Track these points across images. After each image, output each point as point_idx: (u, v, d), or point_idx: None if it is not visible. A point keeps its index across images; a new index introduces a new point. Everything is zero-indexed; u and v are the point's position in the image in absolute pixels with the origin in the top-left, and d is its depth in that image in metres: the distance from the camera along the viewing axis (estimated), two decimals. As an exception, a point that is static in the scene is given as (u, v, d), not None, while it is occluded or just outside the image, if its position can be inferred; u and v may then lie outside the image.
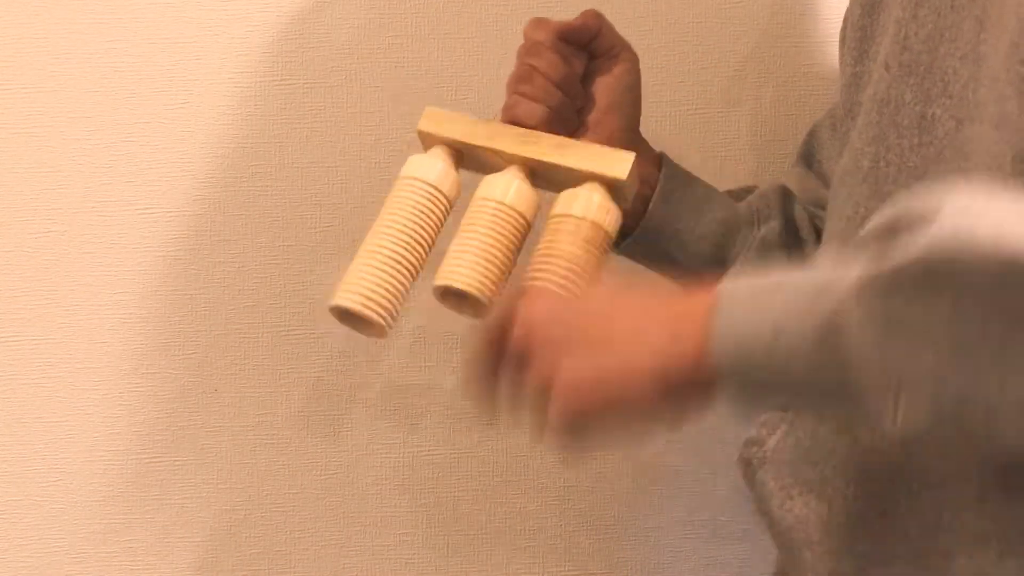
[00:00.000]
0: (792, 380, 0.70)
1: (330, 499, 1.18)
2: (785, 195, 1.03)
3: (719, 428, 1.19)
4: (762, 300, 0.70)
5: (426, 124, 0.94)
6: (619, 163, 0.90)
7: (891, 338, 0.64)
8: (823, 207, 0.99)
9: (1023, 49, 0.70)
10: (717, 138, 1.17)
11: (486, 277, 0.88)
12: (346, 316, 0.90)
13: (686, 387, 0.73)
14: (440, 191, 0.91)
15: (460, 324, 1.17)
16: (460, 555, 1.20)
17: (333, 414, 1.17)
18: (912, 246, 0.64)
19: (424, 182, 0.91)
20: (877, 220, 0.69)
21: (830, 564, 0.82)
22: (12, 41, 1.11)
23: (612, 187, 0.92)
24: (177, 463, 1.16)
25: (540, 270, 0.88)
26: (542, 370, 0.76)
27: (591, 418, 0.76)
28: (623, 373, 0.74)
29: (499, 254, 0.89)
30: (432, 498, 1.19)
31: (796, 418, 0.88)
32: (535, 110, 0.95)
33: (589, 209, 0.89)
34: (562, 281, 0.86)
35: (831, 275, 0.68)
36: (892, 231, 0.67)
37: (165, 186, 1.13)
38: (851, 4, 0.93)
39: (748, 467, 0.90)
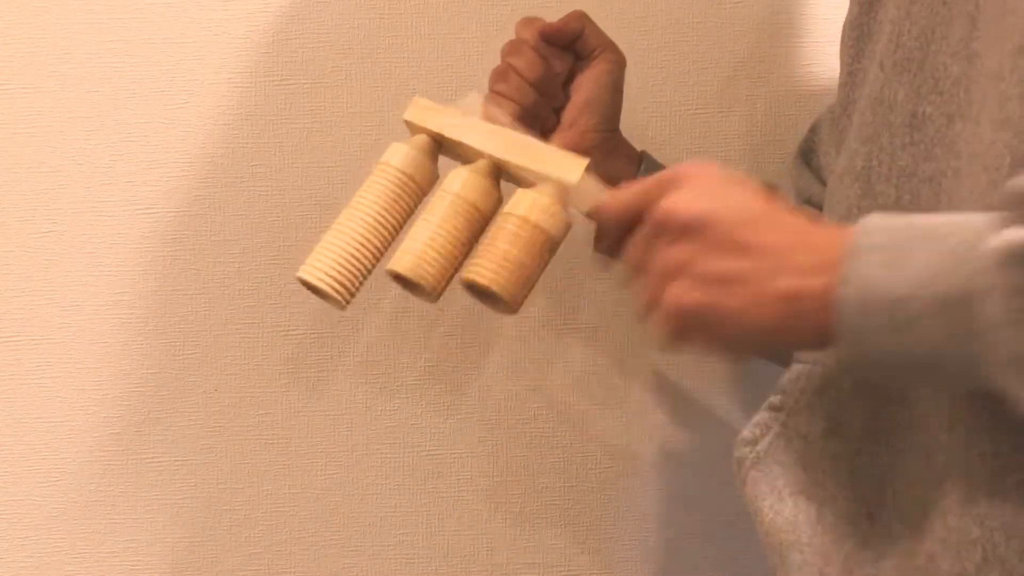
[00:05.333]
0: (913, 345, 0.65)
1: (330, 499, 1.18)
2: None
3: (718, 429, 1.20)
4: (897, 253, 0.66)
5: (411, 114, 0.97)
6: (572, 168, 0.91)
7: None
8: (817, 205, 0.99)
9: None
10: (716, 138, 1.17)
11: (432, 264, 0.90)
12: (309, 287, 0.92)
13: (810, 320, 0.69)
14: (411, 177, 0.94)
15: (462, 323, 1.17)
16: (460, 555, 1.20)
17: (333, 414, 1.17)
18: None
19: (396, 168, 0.93)
20: (1015, 182, 0.64)
21: (818, 564, 0.82)
22: (12, 41, 1.11)
23: (566, 190, 0.93)
24: (177, 463, 1.16)
25: (476, 263, 0.90)
26: (669, 258, 0.73)
27: (704, 324, 0.72)
28: (755, 286, 0.70)
29: (448, 243, 0.91)
30: (432, 498, 1.19)
31: (788, 419, 0.88)
32: (506, 108, 0.97)
33: (533, 210, 0.91)
34: (493, 276, 0.88)
35: (969, 235, 0.64)
36: None
37: (165, 186, 1.13)
38: (850, 2, 0.93)
39: (740, 466, 0.91)
